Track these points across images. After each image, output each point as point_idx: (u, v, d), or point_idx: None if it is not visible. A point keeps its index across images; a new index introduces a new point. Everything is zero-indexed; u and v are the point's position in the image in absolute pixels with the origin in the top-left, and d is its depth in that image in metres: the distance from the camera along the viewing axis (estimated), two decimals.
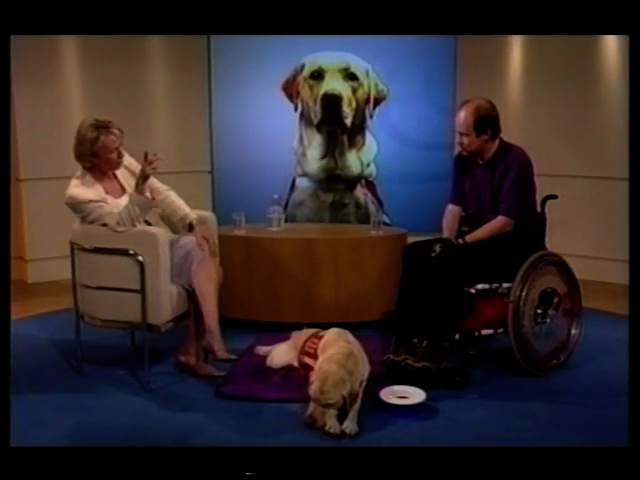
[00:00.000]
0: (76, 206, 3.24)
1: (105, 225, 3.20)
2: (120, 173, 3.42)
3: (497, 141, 3.46)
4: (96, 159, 3.26)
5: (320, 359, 2.97)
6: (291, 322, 3.75)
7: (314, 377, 2.83)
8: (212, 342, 3.19)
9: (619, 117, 4.91)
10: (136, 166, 3.39)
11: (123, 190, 3.38)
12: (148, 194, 3.30)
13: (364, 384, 2.93)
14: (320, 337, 3.22)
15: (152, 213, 3.43)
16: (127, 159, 3.44)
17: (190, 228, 3.43)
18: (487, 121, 3.39)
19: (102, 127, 3.24)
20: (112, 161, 3.29)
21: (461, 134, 3.43)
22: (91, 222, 3.25)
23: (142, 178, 3.22)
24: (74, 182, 3.27)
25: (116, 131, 3.26)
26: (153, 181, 3.41)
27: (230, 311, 3.91)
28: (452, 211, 3.66)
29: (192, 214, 3.47)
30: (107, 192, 3.30)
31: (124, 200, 3.28)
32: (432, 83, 5.62)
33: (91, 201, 3.21)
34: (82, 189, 3.23)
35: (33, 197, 5.29)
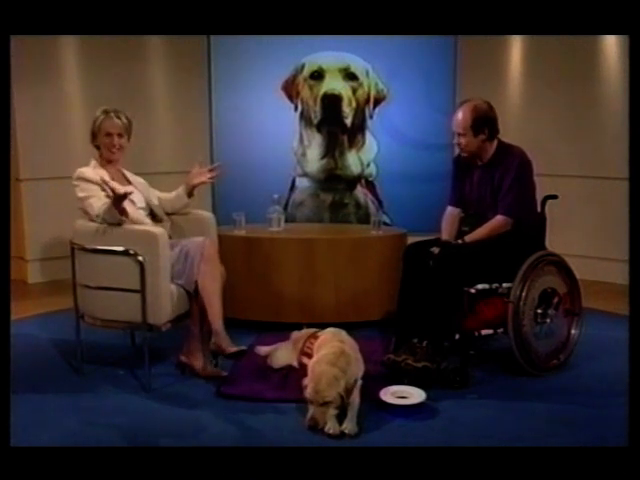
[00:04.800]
0: (79, 182, 3.36)
1: (88, 214, 3.33)
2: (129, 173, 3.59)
3: (495, 142, 3.46)
4: (96, 140, 3.45)
5: (312, 361, 2.97)
6: (291, 322, 3.75)
7: (308, 379, 2.84)
8: (220, 342, 3.19)
9: (619, 117, 4.91)
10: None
11: (128, 182, 3.53)
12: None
13: (359, 382, 2.93)
14: (318, 337, 3.22)
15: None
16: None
17: (190, 190, 3.63)
18: (484, 121, 3.40)
19: (109, 112, 3.46)
20: (106, 145, 3.44)
21: (458, 134, 3.44)
22: (81, 202, 3.34)
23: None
24: (89, 166, 3.46)
25: (117, 120, 3.44)
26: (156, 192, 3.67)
27: (230, 311, 3.90)
28: (451, 213, 3.66)
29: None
30: (113, 178, 3.42)
31: (128, 188, 3.40)
32: (432, 83, 5.63)
33: (96, 183, 3.33)
34: (91, 171, 3.40)
35: (33, 197, 5.29)
